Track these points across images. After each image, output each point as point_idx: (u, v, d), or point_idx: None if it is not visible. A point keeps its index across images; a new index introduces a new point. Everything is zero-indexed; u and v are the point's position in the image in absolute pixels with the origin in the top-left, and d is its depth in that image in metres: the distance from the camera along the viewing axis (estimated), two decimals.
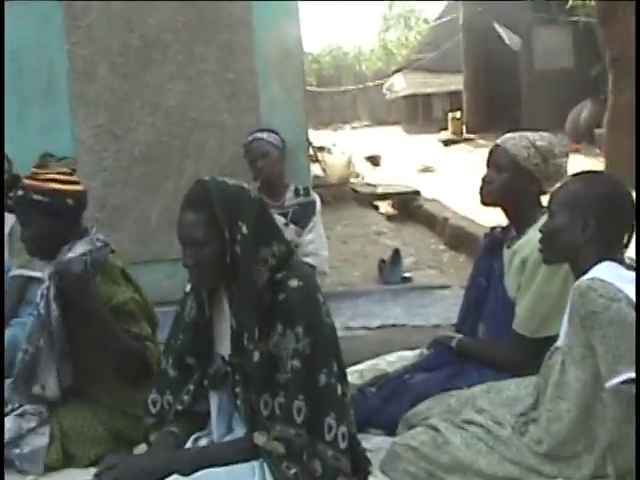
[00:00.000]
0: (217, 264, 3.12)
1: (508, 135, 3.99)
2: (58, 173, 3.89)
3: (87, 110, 6.92)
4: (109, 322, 3.73)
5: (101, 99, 6.91)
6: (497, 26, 24.74)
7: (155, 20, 6.86)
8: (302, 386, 3.06)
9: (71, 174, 3.96)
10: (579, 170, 3.43)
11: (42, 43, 6.94)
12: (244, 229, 3.09)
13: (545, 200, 3.69)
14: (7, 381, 3.98)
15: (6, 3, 6.85)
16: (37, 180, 3.87)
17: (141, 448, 3.58)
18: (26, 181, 3.92)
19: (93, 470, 3.42)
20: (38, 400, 3.84)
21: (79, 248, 3.78)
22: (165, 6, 6.85)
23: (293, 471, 3.02)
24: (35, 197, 3.83)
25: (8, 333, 5.06)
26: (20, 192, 3.91)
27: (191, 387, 3.38)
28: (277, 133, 6.15)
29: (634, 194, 3.37)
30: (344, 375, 3.32)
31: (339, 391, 3.16)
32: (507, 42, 24.54)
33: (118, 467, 3.19)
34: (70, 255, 3.73)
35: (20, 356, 3.92)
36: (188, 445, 3.33)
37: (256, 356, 3.09)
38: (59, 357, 3.80)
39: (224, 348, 3.30)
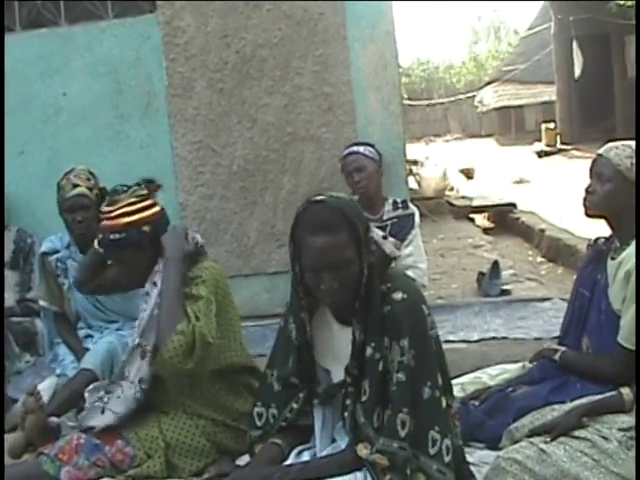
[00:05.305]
0: (359, 280, 3.12)
1: (610, 145, 3.91)
2: (128, 205, 3.94)
3: (185, 126, 7.03)
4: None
5: (199, 115, 7.01)
6: (575, 46, 24.52)
7: (251, 36, 6.94)
8: (406, 399, 3.05)
9: (143, 200, 4.01)
10: None
11: (141, 61, 7.08)
12: (372, 239, 3.16)
13: None
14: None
15: (105, 22, 7.01)
16: (110, 219, 3.94)
17: (244, 459, 3.60)
18: (102, 223, 4.00)
19: None
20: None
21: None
22: (261, 22, 6.92)
23: None
24: (112, 236, 3.92)
25: (105, 339, 5.23)
26: (100, 235, 4.03)
27: (295, 405, 3.39)
28: (373, 146, 6.12)
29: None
30: (449, 387, 3.30)
31: (443, 404, 3.14)
32: (575, 67, 24.35)
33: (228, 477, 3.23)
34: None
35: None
36: (291, 458, 3.35)
37: (380, 366, 3.11)
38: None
39: (328, 362, 3.33)
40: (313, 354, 3.36)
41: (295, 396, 3.39)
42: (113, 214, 3.94)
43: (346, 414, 3.23)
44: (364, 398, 3.14)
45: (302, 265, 3.16)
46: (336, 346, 3.30)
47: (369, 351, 3.12)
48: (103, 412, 3.87)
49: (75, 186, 5.33)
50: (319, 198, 3.15)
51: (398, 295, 3.13)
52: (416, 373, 3.08)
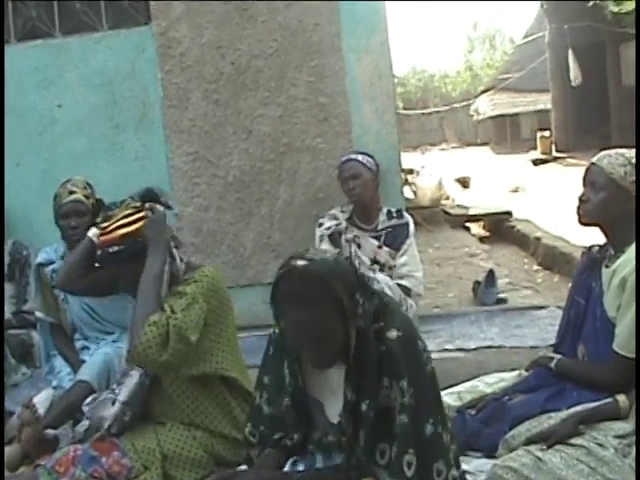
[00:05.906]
0: (343, 343, 3.08)
1: (604, 153, 3.91)
2: (123, 217, 3.98)
3: (181, 137, 7.04)
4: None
5: (195, 126, 7.02)
6: (570, 55, 24.65)
7: (246, 47, 6.95)
8: (411, 440, 3.03)
9: (137, 211, 4.03)
10: None
11: (136, 72, 7.09)
12: (361, 301, 3.08)
13: None
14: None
15: (100, 34, 7.03)
16: (107, 234, 3.98)
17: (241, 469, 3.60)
18: (100, 239, 4.02)
19: None
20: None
21: None
22: (256, 33, 6.93)
23: None
24: (112, 250, 3.95)
25: (101, 351, 5.22)
26: (99, 252, 4.03)
27: (288, 443, 3.36)
28: (372, 157, 6.14)
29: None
30: (445, 419, 3.27)
31: (445, 438, 3.12)
32: (570, 76, 24.51)
33: None
34: None
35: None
36: (286, 468, 3.34)
37: (372, 415, 3.07)
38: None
39: (321, 395, 3.31)
40: (307, 400, 3.32)
41: (289, 433, 3.37)
42: (110, 228, 3.97)
43: (344, 455, 3.21)
44: (361, 443, 3.11)
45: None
46: (329, 381, 3.27)
47: (364, 407, 3.08)
48: (114, 403, 3.89)
49: (71, 193, 5.35)
50: (299, 264, 3.03)
51: (393, 333, 3.07)
52: (417, 411, 3.05)
